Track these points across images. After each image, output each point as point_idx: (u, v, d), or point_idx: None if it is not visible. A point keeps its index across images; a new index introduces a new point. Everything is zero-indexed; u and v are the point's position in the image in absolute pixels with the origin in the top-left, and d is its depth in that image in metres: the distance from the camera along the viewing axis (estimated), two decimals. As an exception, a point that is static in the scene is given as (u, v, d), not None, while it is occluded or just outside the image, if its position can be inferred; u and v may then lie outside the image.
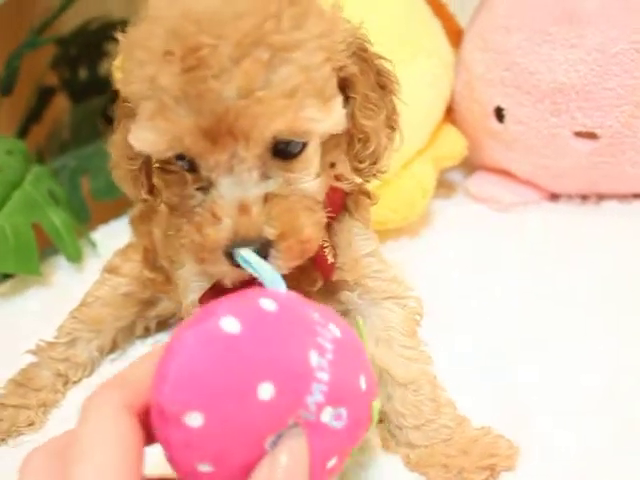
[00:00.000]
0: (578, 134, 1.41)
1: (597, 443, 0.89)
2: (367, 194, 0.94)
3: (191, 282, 0.91)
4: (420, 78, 1.42)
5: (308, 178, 0.76)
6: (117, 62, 1.37)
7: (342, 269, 0.90)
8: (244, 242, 0.69)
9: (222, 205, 0.71)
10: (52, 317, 1.31)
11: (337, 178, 0.87)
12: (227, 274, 0.74)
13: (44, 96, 2.33)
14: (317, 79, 0.70)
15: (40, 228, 1.46)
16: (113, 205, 1.76)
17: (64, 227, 1.48)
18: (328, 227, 0.86)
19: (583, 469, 0.86)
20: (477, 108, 1.54)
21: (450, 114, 1.59)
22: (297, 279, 0.87)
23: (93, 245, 1.57)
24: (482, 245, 1.42)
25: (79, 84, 2.44)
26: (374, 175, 0.84)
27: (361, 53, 0.78)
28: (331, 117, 0.73)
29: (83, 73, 2.46)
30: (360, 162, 0.81)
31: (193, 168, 0.74)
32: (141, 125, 0.71)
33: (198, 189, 0.75)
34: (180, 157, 0.73)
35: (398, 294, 0.94)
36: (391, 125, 0.83)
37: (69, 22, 2.25)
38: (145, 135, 0.71)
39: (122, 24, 2.19)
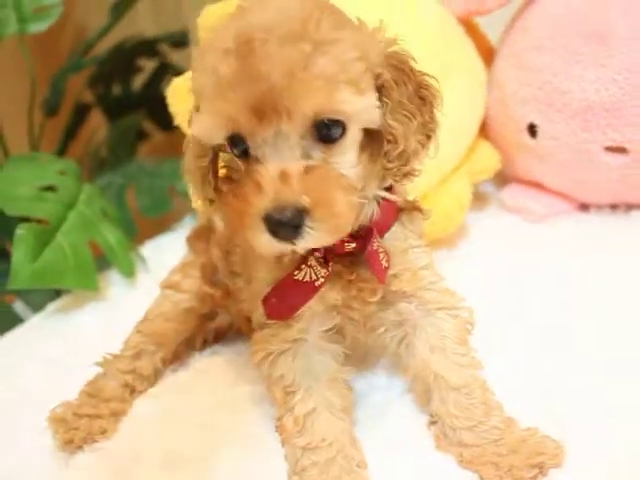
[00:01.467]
0: (608, 149, 1.47)
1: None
2: (420, 210, 1.02)
3: (262, 294, 0.96)
4: (456, 96, 1.47)
5: (346, 164, 0.84)
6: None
7: (400, 279, 0.97)
8: (282, 208, 0.76)
9: (264, 175, 0.78)
10: (108, 330, 1.40)
11: (389, 189, 0.95)
12: (266, 243, 0.80)
13: (81, 113, 2.41)
14: (351, 71, 0.79)
15: (94, 245, 1.54)
16: (157, 221, 1.83)
17: (118, 244, 1.56)
18: (381, 235, 0.94)
19: (627, 467, 0.91)
20: (510, 124, 1.60)
21: (484, 129, 1.64)
22: (359, 289, 0.94)
23: (143, 260, 1.64)
24: (517, 255, 1.48)
25: (113, 100, 2.53)
26: (404, 176, 0.89)
27: (399, 64, 0.86)
28: (363, 103, 0.81)
29: (117, 89, 2.54)
30: (389, 162, 0.87)
31: (245, 153, 0.82)
32: (202, 111, 0.81)
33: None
34: (234, 142, 0.83)
35: (451, 305, 1.01)
36: (427, 133, 0.89)
37: (104, 42, 2.32)
38: (204, 119, 0.81)
39: (154, 42, 2.27)
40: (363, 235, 0.91)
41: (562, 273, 1.39)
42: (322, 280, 0.91)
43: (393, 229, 0.97)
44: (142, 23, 2.58)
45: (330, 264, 0.91)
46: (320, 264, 0.90)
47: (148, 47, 2.47)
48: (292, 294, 0.91)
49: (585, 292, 1.31)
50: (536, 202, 1.61)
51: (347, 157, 0.84)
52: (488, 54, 1.67)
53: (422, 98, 0.88)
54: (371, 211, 0.93)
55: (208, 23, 1.47)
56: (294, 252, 0.86)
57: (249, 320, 1.04)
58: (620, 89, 1.42)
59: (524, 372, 1.12)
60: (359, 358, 1.13)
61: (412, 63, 0.88)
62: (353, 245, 0.91)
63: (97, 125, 2.54)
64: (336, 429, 0.96)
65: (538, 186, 1.64)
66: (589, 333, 1.20)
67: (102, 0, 2.37)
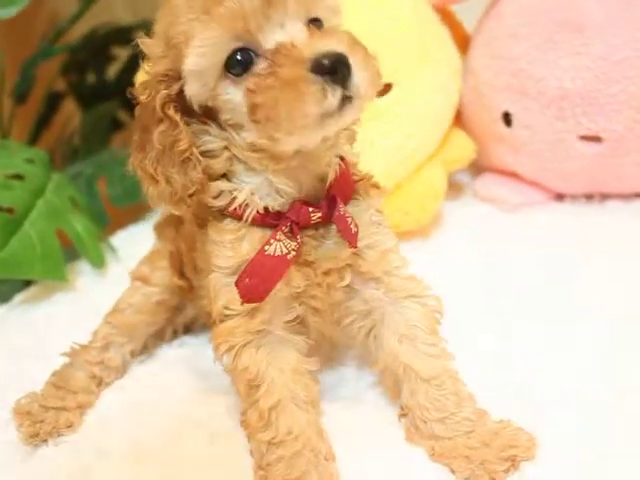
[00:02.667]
0: (583, 137, 1.47)
1: (611, 436, 0.94)
2: (376, 185, 1.01)
3: (221, 287, 0.94)
4: (430, 86, 1.47)
5: None
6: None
7: (367, 260, 0.95)
8: (325, 53, 0.76)
9: (294, 44, 0.78)
10: (77, 321, 1.37)
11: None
12: (319, 95, 0.77)
13: (53, 102, 2.37)
14: None
15: (63, 235, 1.51)
16: (129, 210, 1.81)
17: (86, 233, 1.53)
18: (344, 203, 0.93)
19: (598, 460, 0.90)
20: (485, 113, 1.59)
21: (458, 118, 1.63)
22: (327, 273, 0.93)
23: (113, 250, 1.61)
24: (491, 244, 1.47)
25: (87, 89, 2.49)
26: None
27: None
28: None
29: (91, 78, 2.50)
30: None
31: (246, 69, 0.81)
32: (195, 42, 0.80)
33: None
34: (233, 63, 0.81)
35: (418, 293, 0.99)
36: None
37: (77, 29, 2.28)
38: (207, 38, 0.79)
39: (129, 30, 2.23)
40: (327, 204, 0.90)
41: (536, 263, 1.38)
42: (293, 253, 0.89)
43: (353, 201, 0.96)
44: (117, 11, 2.54)
45: (299, 237, 0.89)
46: (289, 237, 0.88)
47: (123, 35, 2.42)
48: (265, 270, 0.88)
49: (559, 281, 1.31)
50: (510, 192, 1.61)
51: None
52: (463, 42, 1.66)
53: None
54: (335, 171, 0.91)
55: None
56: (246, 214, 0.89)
57: (210, 315, 1.02)
58: (595, 77, 1.41)
59: (495, 362, 1.11)
60: (327, 349, 1.12)
61: None
62: (319, 215, 0.90)
63: (70, 114, 2.50)
64: (302, 422, 0.94)
65: (513, 175, 1.63)
66: (562, 322, 1.19)
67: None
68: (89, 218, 1.59)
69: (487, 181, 1.66)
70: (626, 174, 1.51)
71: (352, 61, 0.77)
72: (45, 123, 2.33)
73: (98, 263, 1.53)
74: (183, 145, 0.85)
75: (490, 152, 1.64)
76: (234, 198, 0.89)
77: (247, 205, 0.89)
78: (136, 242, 1.62)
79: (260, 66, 0.80)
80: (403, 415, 1.00)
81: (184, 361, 1.22)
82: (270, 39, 0.80)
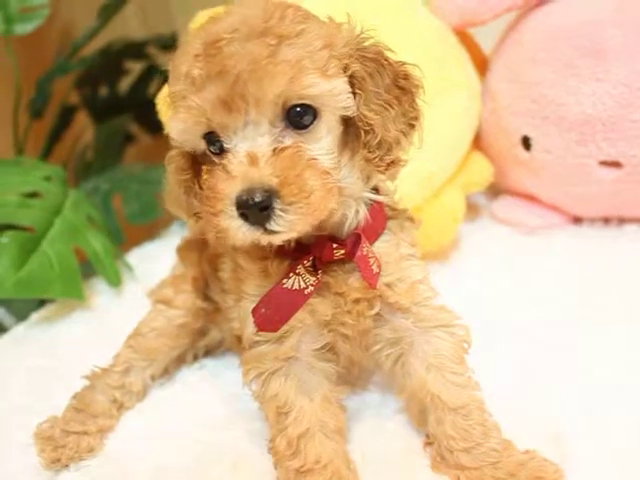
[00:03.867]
0: (603, 163, 1.47)
1: (637, 466, 0.94)
2: (411, 218, 1.01)
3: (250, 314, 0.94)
4: (451, 110, 1.46)
5: (320, 151, 0.83)
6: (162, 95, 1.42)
7: (396, 291, 0.95)
8: (250, 190, 0.77)
9: (232, 161, 0.80)
10: (94, 340, 1.37)
11: (376, 192, 0.95)
12: (238, 230, 0.80)
13: (66, 115, 2.37)
14: (316, 58, 0.80)
15: (78, 251, 1.50)
16: (145, 228, 1.80)
17: (103, 251, 1.52)
18: (371, 241, 0.93)
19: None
20: (504, 136, 1.59)
21: (477, 141, 1.63)
22: (355, 301, 0.93)
23: (130, 268, 1.61)
24: (510, 267, 1.47)
25: (100, 102, 2.49)
26: (388, 166, 0.88)
27: (372, 55, 0.86)
28: (330, 86, 0.81)
29: (104, 91, 2.50)
30: (370, 152, 0.86)
31: (222, 150, 0.83)
32: (177, 113, 0.82)
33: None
34: (210, 141, 0.84)
35: (447, 322, 0.99)
36: (409, 122, 0.89)
37: (91, 44, 2.28)
38: (179, 119, 0.82)
39: (142, 45, 2.24)
40: (352, 241, 0.90)
41: (555, 286, 1.38)
42: (311, 288, 0.89)
43: (384, 237, 0.96)
44: (130, 26, 2.55)
45: (319, 272, 0.90)
46: (309, 272, 0.89)
47: (136, 49, 2.44)
48: (281, 303, 0.89)
49: (578, 305, 1.31)
50: (528, 214, 1.61)
51: (321, 144, 0.84)
52: (482, 64, 1.66)
53: (401, 88, 0.88)
54: (360, 215, 0.92)
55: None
56: (270, 244, 0.86)
57: (239, 339, 1.02)
58: (616, 103, 1.41)
59: (518, 391, 1.10)
60: (353, 376, 1.11)
61: (388, 54, 0.88)
62: (342, 252, 0.90)
63: (83, 128, 2.50)
64: (330, 450, 0.94)
65: (531, 198, 1.63)
66: (583, 349, 1.19)
67: (89, 2, 2.33)
68: (106, 236, 1.58)
69: (505, 203, 1.66)
70: (644, 199, 1.51)
71: (281, 200, 0.77)
72: (58, 137, 2.33)
73: (115, 282, 1.53)
74: (186, 175, 0.91)
75: (508, 175, 1.64)
76: None
77: None
78: (152, 260, 1.63)
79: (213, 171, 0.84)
80: (429, 444, 1.00)
81: (205, 384, 1.22)
82: (229, 141, 0.82)
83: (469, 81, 1.55)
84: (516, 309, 1.32)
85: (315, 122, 0.82)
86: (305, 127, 0.82)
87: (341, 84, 0.82)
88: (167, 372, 1.24)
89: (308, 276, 0.89)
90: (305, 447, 0.92)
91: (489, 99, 1.61)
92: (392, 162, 0.88)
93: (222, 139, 0.82)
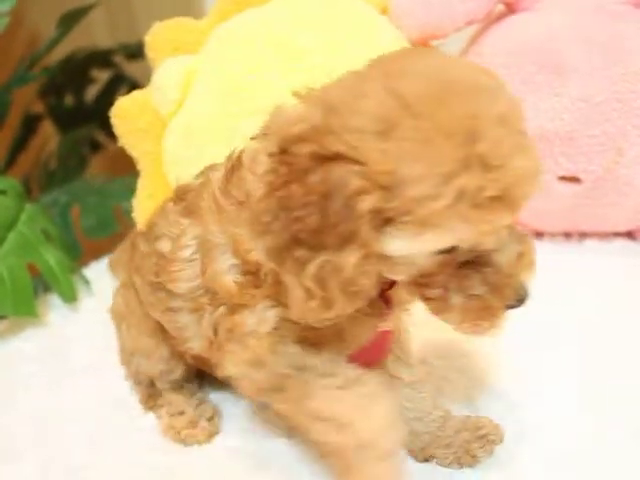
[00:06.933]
0: (562, 178, 1.47)
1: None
2: None
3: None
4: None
5: None
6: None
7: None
8: (527, 290, 0.79)
9: (508, 264, 0.76)
10: (48, 356, 1.35)
11: None
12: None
13: (31, 124, 2.34)
14: None
15: (32, 266, 1.47)
16: (107, 241, 1.77)
17: (59, 267, 1.49)
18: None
19: None
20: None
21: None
22: None
23: (86, 283, 1.58)
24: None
25: (66, 111, 2.46)
26: None
27: None
28: None
29: (70, 100, 2.47)
30: None
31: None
32: (446, 227, 0.67)
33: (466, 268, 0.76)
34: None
35: None
36: None
37: (55, 52, 2.25)
38: (452, 234, 0.68)
39: (108, 53, 2.21)
40: None
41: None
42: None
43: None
44: (96, 34, 2.53)
45: None
46: None
47: (102, 58, 2.41)
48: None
49: (535, 319, 1.28)
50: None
51: None
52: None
53: None
54: None
55: (156, 42, 1.43)
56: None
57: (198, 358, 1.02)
58: (575, 119, 1.41)
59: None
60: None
61: None
62: None
63: (48, 137, 2.47)
64: None
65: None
66: (536, 360, 1.20)
67: (56, 12, 2.31)
68: (62, 250, 1.55)
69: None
70: (604, 214, 1.51)
71: None
72: (22, 147, 2.30)
73: (69, 297, 1.50)
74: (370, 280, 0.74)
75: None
76: None
77: None
78: (109, 274, 1.60)
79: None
80: None
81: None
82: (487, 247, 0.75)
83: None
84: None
85: None
86: None
87: None
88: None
89: None
90: None
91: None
92: None
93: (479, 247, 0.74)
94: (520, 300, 0.78)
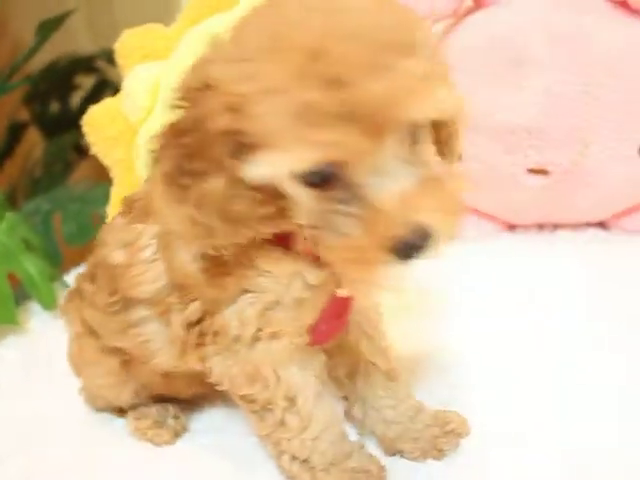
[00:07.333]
0: (531, 171, 1.48)
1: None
2: None
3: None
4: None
5: (434, 161, 0.75)
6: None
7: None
8: (423, 233, 0.67)
9: (386, 203, 0.66)
10: (30, 364, 1.36)
11: None
12: (384, 274, 0.70)
13: (16, 132, 2.36)
14: (440, 68, 0.71)
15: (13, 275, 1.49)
16: (87, 248, 1.79)
17: (39, 275, 1.51)
18: None
19: None
20: (432, 148, 1.59)
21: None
22: None
23: (67, 289, 1.59)
24: (445, 275, 1.46)
25: (51, 118, 2.48)
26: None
27: None
28: (454, 97, 0.72)
29: (55, 107, 2.49)
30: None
31: (327, 184, 0.68)
32: (281, 147, 0.64)
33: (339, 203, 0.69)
34: (309, 179, 0.68)
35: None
36: None
37: (38, 59, 2.27)
38: (288, 155, 0.64)
39: (91, 59, 2.22)
40: None
41: (489, 293, 1.39)
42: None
43: None
44: (79, 41, 2.54)
45: None
46: None
47: (85, 64, 2.43)
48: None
49: (514, 310, 1.32)
50: (463, 224, 1.60)
51: (430, 153, 0.75)
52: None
53: None
54: None
55: (126, 49, 1.45)
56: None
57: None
58: (541, 111, 1.42)
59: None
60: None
61: None
62: None
63: (34, 144, 2.49)
64: None
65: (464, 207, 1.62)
66: (518, 351, 1.20)
67: (40, 19, 2.32)
68: (43, 258, 1.57)
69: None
70: (574, 205, 1.52)
71: (436, 235, 0.68)
72: (8, 154, 2.32)
73: (50, 305, 1.52)
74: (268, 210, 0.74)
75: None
76: None
77: None
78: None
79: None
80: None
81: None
82: (363, 177, 0.67)
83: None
84: (452, 315, 1.33)
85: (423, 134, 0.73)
86: (417, 142, 0.72)
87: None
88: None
89: None
90: None
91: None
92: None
93: (347, 175, 0.67)
94: (406, 246, 0.66)
